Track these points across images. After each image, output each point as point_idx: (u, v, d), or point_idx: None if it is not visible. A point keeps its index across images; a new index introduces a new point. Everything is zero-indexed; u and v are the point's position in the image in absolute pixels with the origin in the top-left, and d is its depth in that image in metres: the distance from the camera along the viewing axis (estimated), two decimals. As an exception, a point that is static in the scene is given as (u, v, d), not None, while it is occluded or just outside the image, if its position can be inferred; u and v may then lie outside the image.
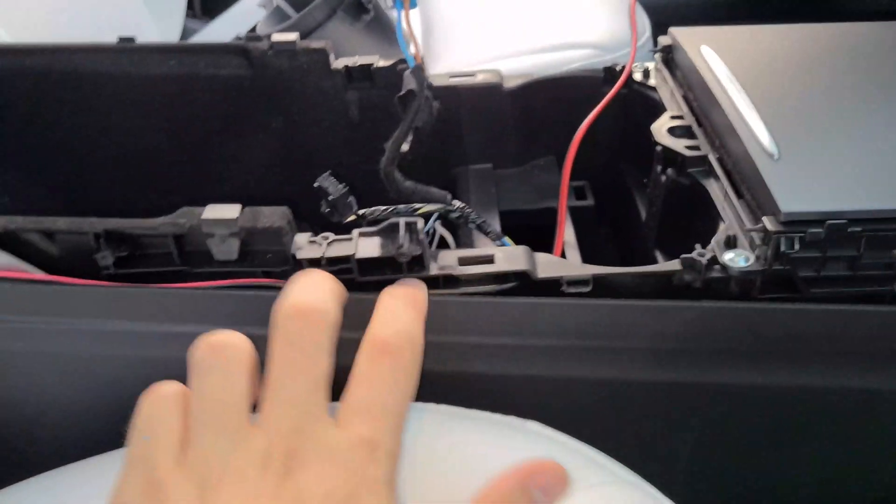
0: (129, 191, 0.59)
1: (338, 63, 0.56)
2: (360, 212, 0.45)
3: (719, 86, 0.49)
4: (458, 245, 0.53)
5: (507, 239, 0.51)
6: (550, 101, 0.59)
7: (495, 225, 0.54)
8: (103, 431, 0.40)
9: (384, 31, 0.76)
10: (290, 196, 0.58)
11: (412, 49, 0.49)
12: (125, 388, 0.38)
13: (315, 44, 0.56)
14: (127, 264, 0.40)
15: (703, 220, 0.46)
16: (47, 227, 0.39)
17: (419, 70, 0.48)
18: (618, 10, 0.74)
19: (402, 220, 0.40)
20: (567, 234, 0.54)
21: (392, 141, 0.47)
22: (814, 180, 0.41)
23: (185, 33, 1.11)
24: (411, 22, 0.49)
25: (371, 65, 0.56)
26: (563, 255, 0.52)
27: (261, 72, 0.55)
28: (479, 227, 0.50)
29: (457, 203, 0.50)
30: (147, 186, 0.59)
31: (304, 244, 0.40)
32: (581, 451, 0.38)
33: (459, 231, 0.54)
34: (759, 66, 0.51)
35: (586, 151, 0.55)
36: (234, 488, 0.29)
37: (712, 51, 0.52)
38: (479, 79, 0.58)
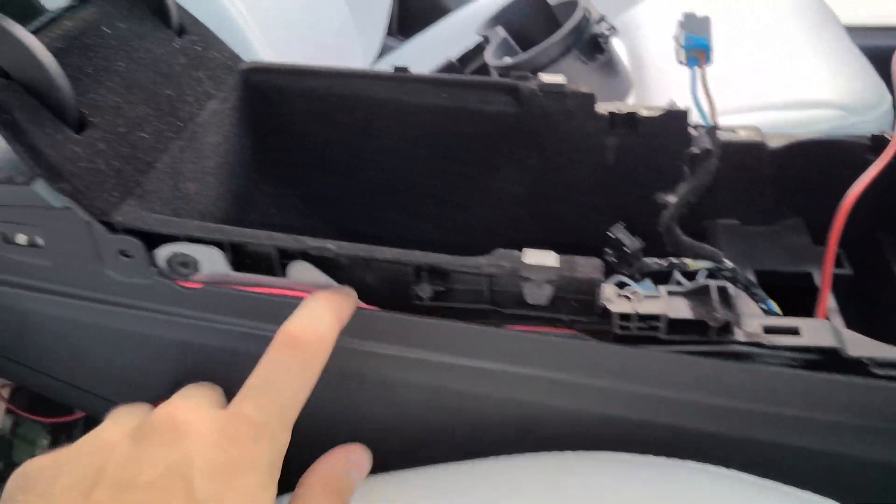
0: (383, 213, 0.61)
1: (601, 108, 0.57)
2: (661, 262, 0.45)
3: None
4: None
5: (772, 303, 0.50)
6: (810, 163, 0.58)
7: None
8: (410, 448, 0.42)
9: (615, 73, 0.77)
10: (534, 232, 0.59)
11: (706, 107, 0.49)
12: (433, 414, 0.40)
13: (583, 88, 0.56)
14: (438, 298, 0.42)
15: None
16: (373, 256, 0.41)
17: (714, 131, 0.48)
18: (862, 68, 0.72)
19: (712, 284, 0.40)
20: (830, 302, 0.53)
21: (680, 197, 0.47)
22: None
23: (384, 50, 1.15)
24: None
25: (635, 113, 0.56)
26: None
27: (527, 110, 0.57)
28: (746, 289, 0.50)
29: (728, 262, 0.50)
30: (399, 211, 0.61)
31: (614, 297, 0.41)
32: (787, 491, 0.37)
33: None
34: None
35: (848, 220, 0.54)
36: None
37: None
38: (742, 135, 0.57)
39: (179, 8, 0.55)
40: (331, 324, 0.38)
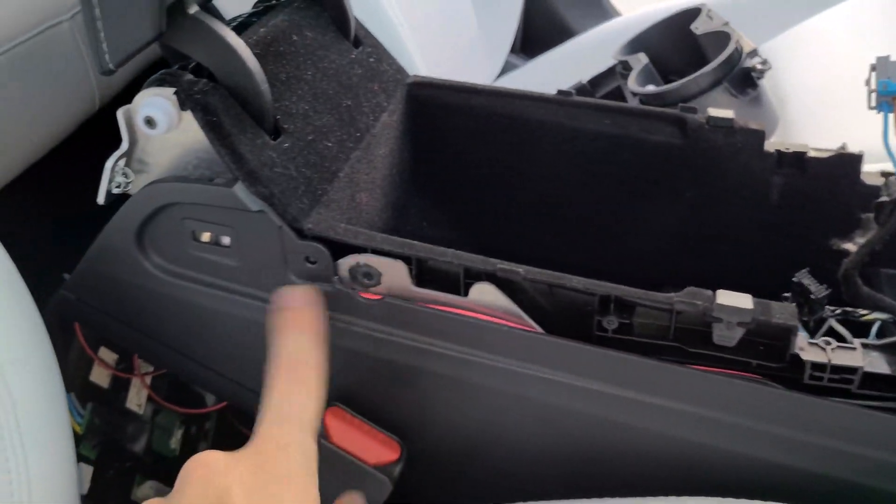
0: (535, 234, 0.61)
1: (770, 145, 0.56)
2: (838, 311, 0.44)
3: None
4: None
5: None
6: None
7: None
8: (564, 477, 0.41)
9: (764, 109, 0.75)
10: (689, 267, 0.58)
11: (897, 153, 0.47)
12: (598, 446, 0.39)
13: (753, 125, 0.55)
14: (621, 331, 0.41)
15: None
16: (562, 284, 0.40)
17: (908, 180, 0.47)
18: None
19: (906, 340, 0.39)
20: None
21: (865, 244, 0.46)
22: None
23: (506, 67, 1.15)
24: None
25: (805, 153, 0.55)
26: None
27: (693, 143, 0.56)
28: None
29: (909, 317, 0.48)
30: (552, 233, 0.60)
31: (806, 345, 0.40)
32: None
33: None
34: None
35: None
36: None
37: None
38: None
39: (356, 20, 0.56)
40: (309, 341, 0.40)
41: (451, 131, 0.59)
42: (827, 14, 0.97)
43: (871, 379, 0.39)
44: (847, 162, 0.54)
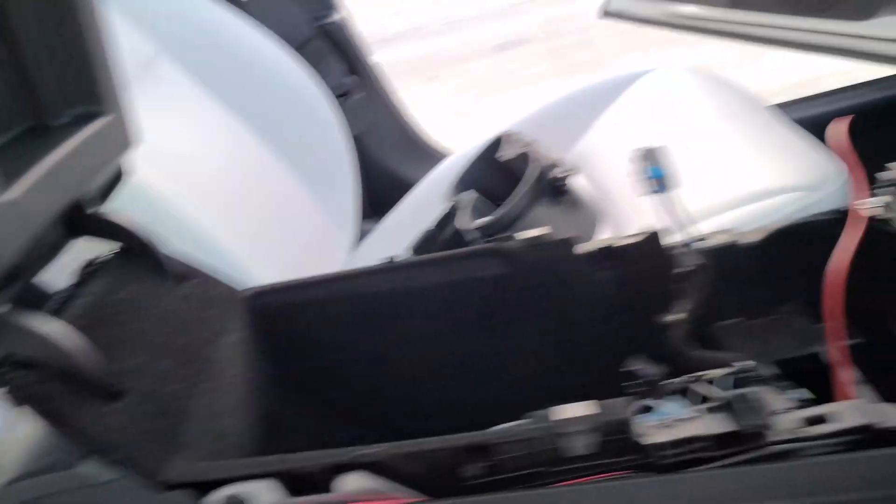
0: (412, 398, 0.63)
1: (583, 248, 0.60)
2: (677, 382, 0.47)
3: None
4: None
5: (801, 391, 0.52)
6: (789, 248, 0.61)
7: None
8: None
9: (583, 208, 0.82)
10: (558, 378, 0.61)
11: (678, 226, 0.52)
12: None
13: (561, 234, 0.60)
14: (490, 472, 0.43)
15: None
16: (419, 450, 0.42)
17: (698, 248, 0.52)
18: (810, 144, 0.77)
19: (736, 392, 0.42)
20: (852, 375, 0.55)
21: (687, 314, 0.50)
22: None
23: (362, 234, 1.20)
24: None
25: (611, 245, 0.60)
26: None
27: (517, 268, 0.60)
28: (772, 384, 0.52)
29: (748, 363, 0.52)
30: (427, 389, 0.63)
31: (647, 429, 0.42)
32: None
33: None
34: None
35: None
36: None
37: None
38: (717, 240, 0.60)
39: (173, 258, 0.58)
40: None
41: (302, 327, 0.62)
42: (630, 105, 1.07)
43: (718, 440, 0.42)
44: (651, 241, 0.59)
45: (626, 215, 0.90)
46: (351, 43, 1.22)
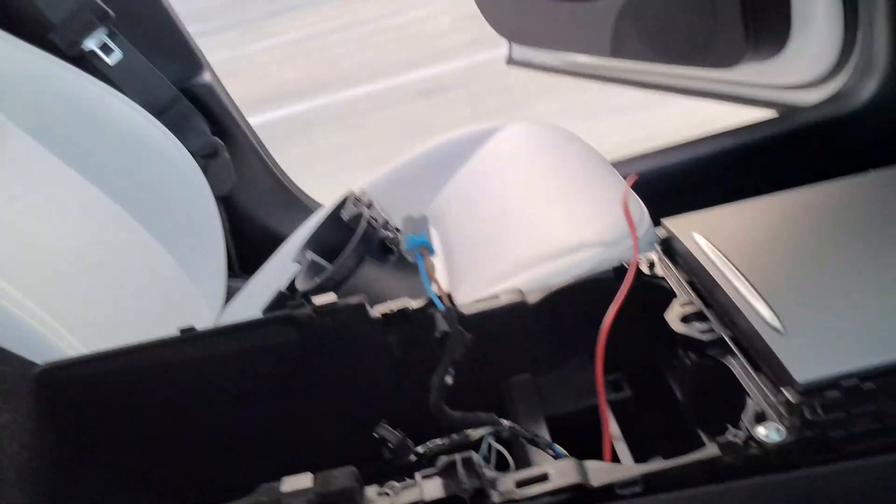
0: (208, 469, 0.63)
1: (375, 311, 0.62)
2: (419, 449, 0.49)
3: (717, 269, 0.54)
4: (514, 458, 0.56)
5: (558, 447, 0.54)
6: (572, 305, 0.64)
7: (544, 434, 0.58)
8: None
9: (411, 266, 0.84)
10: (356, 444, 0.62)
11: (437, 291, 0.55)
12: None
13: (352, 299, 0.62)
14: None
15: (731, 396, 0.49)
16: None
17: (450, 312, 0.54)
18: (616, 201, 0.80)
19: (458, 457, 0.44)
20: (613, 428, 0.57)
21: (436, 379, 0.52)
22: (822, 345, 0.45)
23: (230, 292, 1.20)
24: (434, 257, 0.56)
25: (406, 308, 0.62)
26: (613, 452, 0.55)
27: (308, 334, 0.62)
28: (531, 442, 0.54)
29: (505, 422, 0.54)
30: (223, 462, 0.63)
31: (375, 497, 0.44)
32: None
33: (513, 445, 0.57)
34: (749, 243, 0.56)
35: (618, 345, 0.60)
36: None
37: (703, 238, 0.58)
38: (503, 300, 0.63)
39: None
40: None
41: (98, 401, 0.62)
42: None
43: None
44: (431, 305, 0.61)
45: (467, 272, 0.93)
46: (218, 102, 1.24)
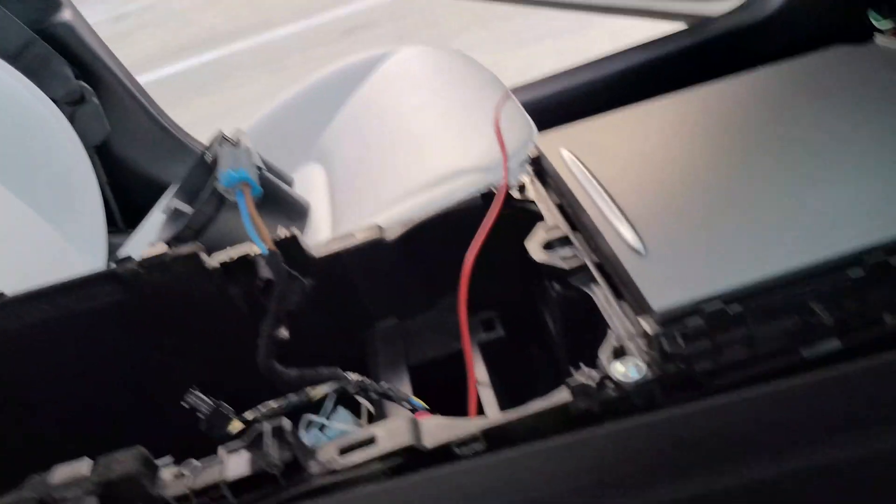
0: (41, 448, 0.56)
1: (213, 261, 0.54)
2: (249, 416, 0.42)
3: (581, 189, 0.47)
4: (377, 410, 0.50)
5: (416, 400, 0.48)
6: (437, 240, 0.57)
7: (404, 385, 0.51)
8: None
9: (276, 202, 0.76)
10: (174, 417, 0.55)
11: (261, 232, 0.47)
12: None
13: (184, 249, 0.54)
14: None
15: (599, 330, 0.43)
16: None
17: (274, 258, 0.46)
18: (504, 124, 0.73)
19: (266, 428, 0.37)
20: (480, 374, 0.51)
21: (264, 332, 0.45)
22: (684, 268, 0.39)
23: (113, 248, 1.11)
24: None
25: (248, 255, 0.54)
26: (478, 400, 0.48)
27: (136, 292, 0.54)
28: (383, 395, 0.48)
29: (352, 376, 0.47)
30: (61, 438, 0.56)
31: (170, 480, 0.37)
32: None
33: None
34: (618, 158, 0.49)
35: (490, 280, 0.53)
36: None
37: (570, 154, 0.51)
38: (360, 238, 0.56)
39: None
40: None
41: None
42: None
43: (246, 483, 0.37)
44: (288, 246, 0.54)
45: (349, 207, 0.85)
46: (81, 43, 1.12)
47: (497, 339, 0.55)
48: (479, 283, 0.54)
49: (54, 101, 1.05)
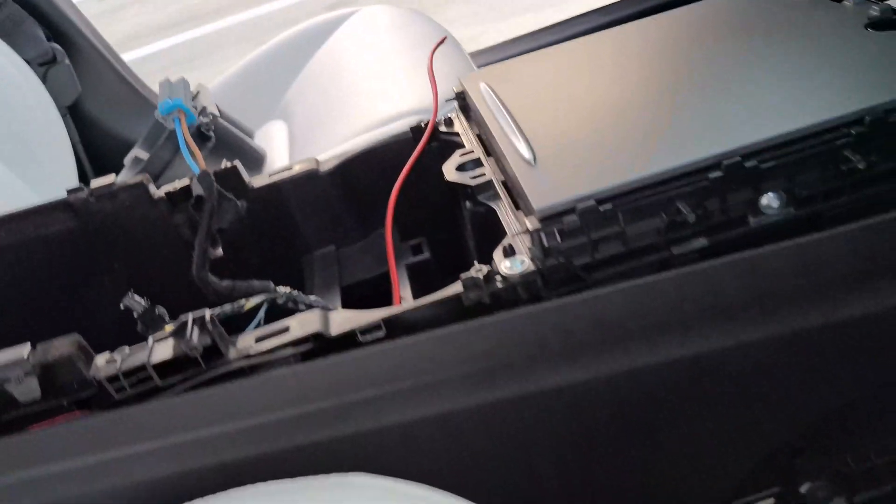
0: None
1: (160, 191, 0.58)
2: (186, 318, 0.46)
3: (492, 115, 0.51)
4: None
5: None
6: (371, 172, 0.61)
7: (335, 301, 0.55)
8: None
9: (232, 149, 0.80)
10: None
11: (193, 155, 0.51)
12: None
13: (132, 179, 0.58)
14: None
15: (501, 239, 0.47)
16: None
17: (205, 176, 0.50)
18: (450, 75, 0.77)
19: (190, 318, 0.41)
20: (404, 292, 0.55)
21: (197, 245, 0.49)
22: (565, 175, 0.43)
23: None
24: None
25: (187, 185, 0.58)
26: None
27: (87, 220, 0.58)
28: (311, 306, 0.52)
29: (281, 289, 0.51)
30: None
31: (103, 364, 0.41)
32: (411, 492, 0.38)
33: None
34: (528, 88, 0.53)
35: (420, 208, 0.57)
36: None
37: (488, 87, 0.55)
38: (296, 169, 0.60)
39: None
40: None
41: None
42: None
43: (172, 367, 0.41)
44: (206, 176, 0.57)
45: (303, 154, 0.89)
46: (52, 5, 1.15)
47: (423, 261, 0.59)
48: (410, 212, 0.58)
49: (27, 61, 1.08)
